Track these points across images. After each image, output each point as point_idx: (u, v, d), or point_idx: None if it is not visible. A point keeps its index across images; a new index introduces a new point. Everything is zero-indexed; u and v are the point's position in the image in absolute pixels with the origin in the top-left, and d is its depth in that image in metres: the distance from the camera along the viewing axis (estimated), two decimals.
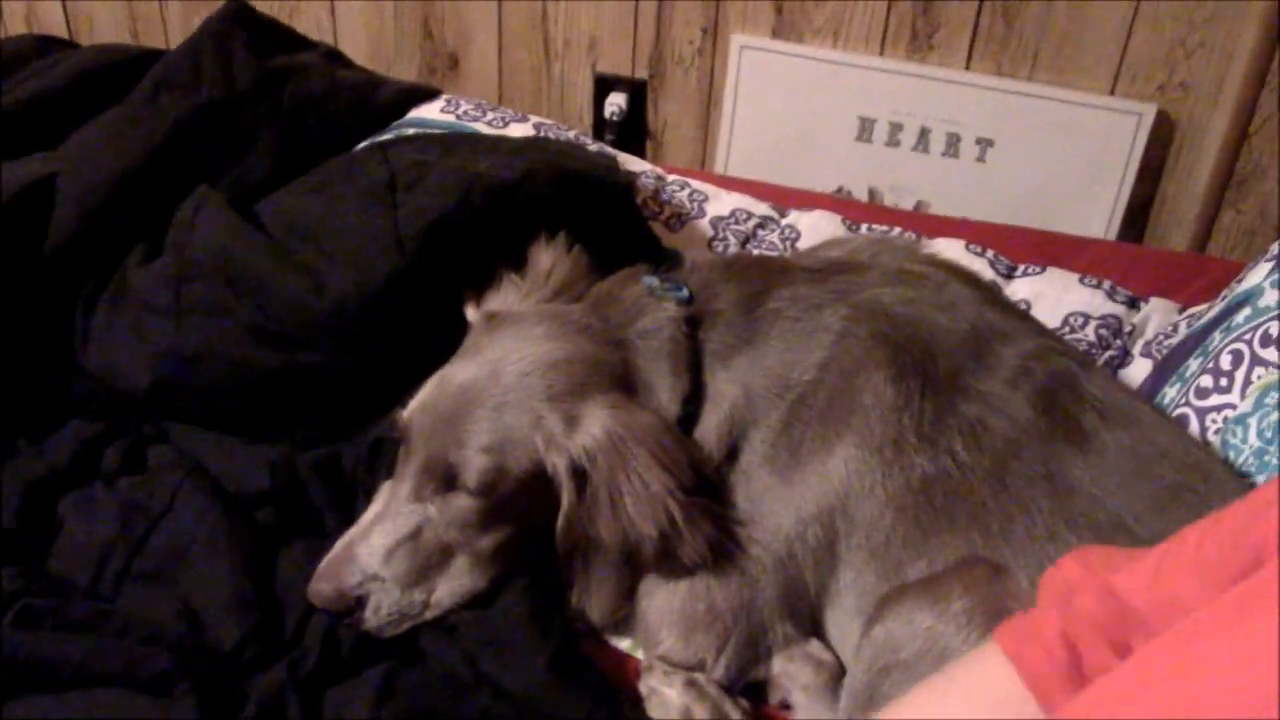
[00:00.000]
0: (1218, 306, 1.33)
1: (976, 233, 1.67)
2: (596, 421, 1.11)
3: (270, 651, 1.11)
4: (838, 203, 1.82)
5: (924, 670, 0.94)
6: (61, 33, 2.67)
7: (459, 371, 1.16)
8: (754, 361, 1.18)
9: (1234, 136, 2.01)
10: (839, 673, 1.13)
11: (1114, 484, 1.03)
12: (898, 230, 1.63)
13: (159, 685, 1.05)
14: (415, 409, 1.16)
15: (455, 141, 1.48)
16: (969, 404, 1.10)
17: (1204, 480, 1.04)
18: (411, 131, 1.66)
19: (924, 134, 2.19)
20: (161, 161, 1.45)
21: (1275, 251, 1.28)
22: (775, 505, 1.14)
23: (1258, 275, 1.26)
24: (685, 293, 1.22)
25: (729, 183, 1.79)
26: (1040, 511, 1.02)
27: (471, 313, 1.26)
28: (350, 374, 1.29)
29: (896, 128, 2.19)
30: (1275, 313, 1.18)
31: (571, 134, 1.79)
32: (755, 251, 1.60)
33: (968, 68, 2.14)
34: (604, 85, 2.38)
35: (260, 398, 1.29)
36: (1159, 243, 2.17)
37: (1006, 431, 1.07)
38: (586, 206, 1.38)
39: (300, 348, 1.28)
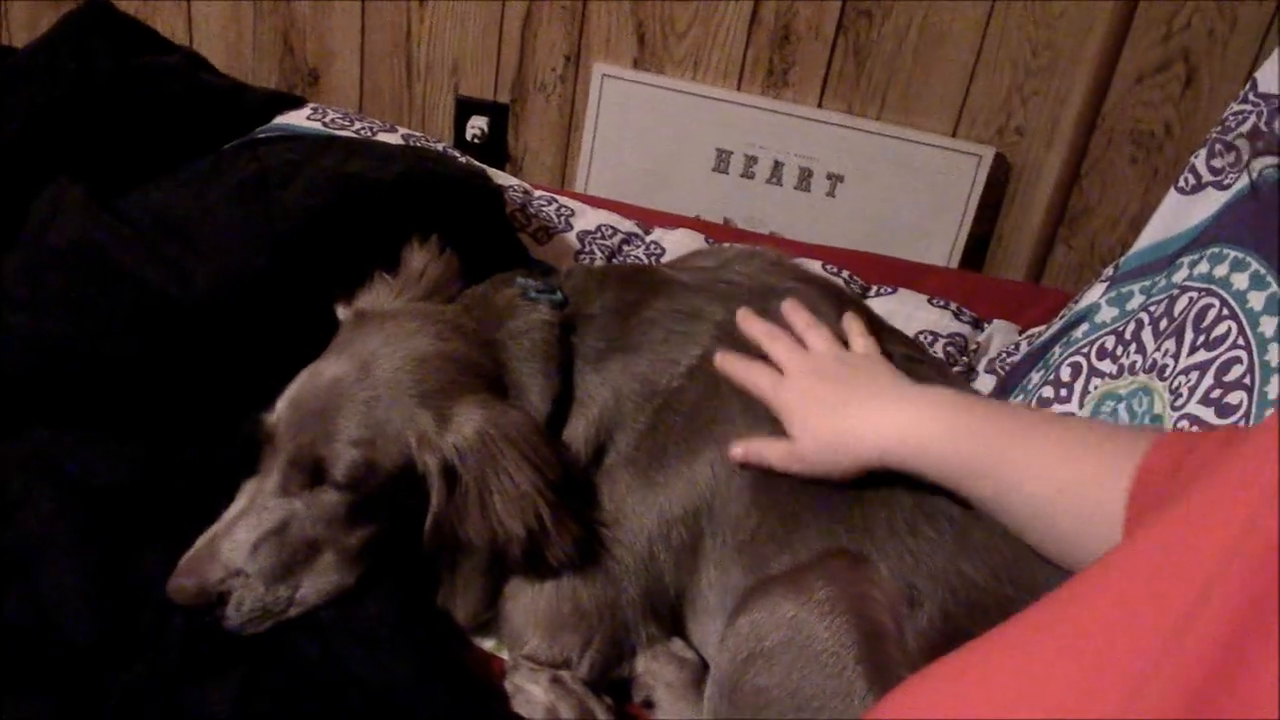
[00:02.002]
0: (1056, 325, 1.41)
1: (832, 256, 1.73)
2: (468, 421, 1.11)
3: (129, 650, 1.08)
4: (700, 223, 1.87)
5: (788, 659, 0.96)
6: None
7: (329, 366, 1.15)
8: (625, 367, 1.20)
9: (1066, 177, 2.14)
10: (701, 671, 1.16)
11: None
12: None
13: (11, 682, 1.01)
14: (283, 404, 1.15)
15: (328, 144, 1.47)
16: None
17: None
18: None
19: (778, 167, 2.26)
20: (14, 155, 1.40)
21: (1109, 273, 1.37)
22: (639, 507, 1.16)
23: (1094, 294, 1.35)
24: (559, 296, 1.23)
25: (595, 201, 1.82)
26: (901, 507, 1.05)
27: (342, 311, 1.25)
28: (218, 371, 1.27)
29: (751, 160, 2.26)
30: (1111, 328, 1.27)
31: (440, 146, 1.80)
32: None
33: (820, 105, 2.23)
34: (466, 108, 2.39)
35: (123, 392, 1.25)
36: (996, 275, 2.28)
37: None
38: (458, 213, 1.39)
39: (165, 342, 1.25)
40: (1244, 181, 1.20)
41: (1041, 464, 0.94)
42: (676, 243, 1.68)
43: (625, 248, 1.68)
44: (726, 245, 1.60)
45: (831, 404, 1.09)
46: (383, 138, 1.76)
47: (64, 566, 1.11)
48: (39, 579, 1.10)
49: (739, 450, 1.12)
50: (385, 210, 1.31)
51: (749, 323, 1.19)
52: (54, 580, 1.10)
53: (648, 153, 2.31)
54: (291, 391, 1.15)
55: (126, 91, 1.53)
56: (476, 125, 2.36)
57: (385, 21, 2.34)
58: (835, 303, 1.25)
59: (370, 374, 1.13)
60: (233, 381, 1.28)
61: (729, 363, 1.16)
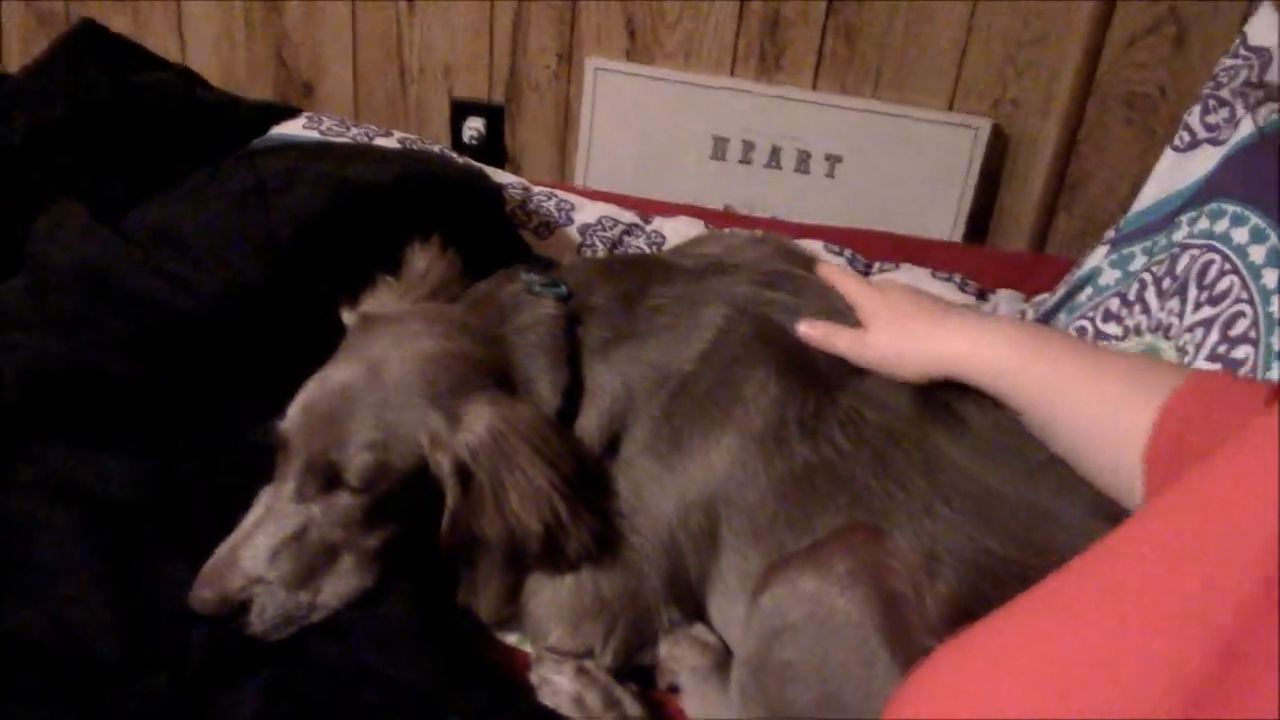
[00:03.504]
0: (1060, 291, 1.41)
1: (833, 236, 1.73)
2: (480, 419, 1.12)
3: (152, 662, 1.08)
4: (700, 211, 1.87)
5: (812, 632, 0.97)
6: None
7: (338, 372, 1.16)
8: (633, 355, 1.20)
9: (1063, 146, 2.14)
10: (724, 654, 1.16)
11: (987, 460, 1.07)
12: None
13: (38, 699, 1.02)
14: (294, 411, 1.15)
15: (325, 150, 1.48)
16: (848, 398, 1.13)
17: None
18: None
19: (775, 152, 2.26)
20: (13, 178, 1.41)
21: (1110, 236, 1.37)
22: (657, 493, 1.16)
23: (1096, 258, 1.35)
24: (563, 289, 1.23)
25: (594, 194, 1.82)
26: (917, 490, 1.05)
27: (348, 315, 1.26)
28: (227, 381, 1.28)
29: (749, 146, 2.26)
30: (1114, 290, 1.27)
31: (437, 148, 1.81)
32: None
33: (815, 87, 2.23)
34: (461, 110, 2.39)
35: (132, 408, 1.26)
36: (999, 247, 2.28)
37: (885, 422, 1.11)
38: (458, 213, 1.39)
39: (173, 355, 1.26)
40: (1239, 136, 1.20)
41: (1086, 393, 0.98)
42: (677, 231, 1.68)
43: (626, 239, 1.68)
44: (728, 231, 1.61)
45: (910, 310, 1.14)
46: (379, 143, 1.76)
47: (85, 583, 1.11)
48: (61, 597, 1.11)
49: (807, 326, 1.16)
50: (384, 213, 1.32)
51: (826, 268, 1.25)
52: (76, 597, 1.11)
53: (645, 144, 2.31)
54: (302, 398, 1.16)
55: (122, 110, 1.54)
56: (473, 127, 2.36)
57: (376, 29, 2.34)
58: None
59: (379, 377, 1.13)
60: (241, 391, 1.28)
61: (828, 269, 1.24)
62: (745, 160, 2.27)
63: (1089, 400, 0.97)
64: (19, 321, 1.26)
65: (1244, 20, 1.36)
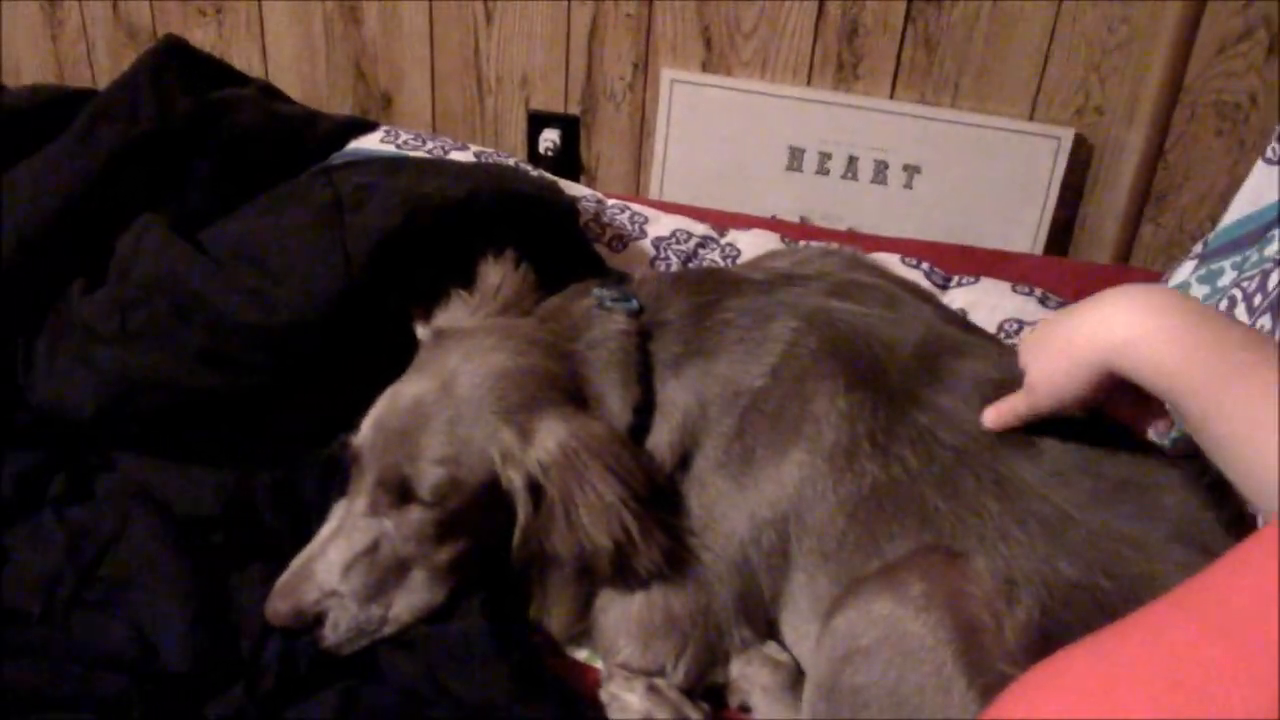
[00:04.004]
0: None
1: (910, 249, 1.71)
2: (551, 435, 1.12)
3: (227, 674, 1.10)
4: (775, 223, 1.85)
5: (885, 656, 0.95)
6: None
7: (410, 386, 1.16)
8: (705, 370, 1.19)
9: (1149, 155, 2.09)
10: (796, 674, 1.15)
11: (1061, 482, 1.04)
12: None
13: (113, 709, 1.04)
14: (367, 426, 1.16)
15: (400, 165, 1.49)
16: (921, 414, 1.10)
17: (1148, 475, 1.05)
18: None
19: (852, 162, 2.24)
20: (100, 193, 1.44)
21: (1198, 250, 1.33)
22: (729, 511, 1.15)
23: (1183, 272, 1.32)
24: (635, 304, 1.23)
25: (668, 206, 1.82)
26: (990, 513, 1.03)
27: (421, 330, 1.26)
28: (300, 395, 1.29)
29: (825, 157, 2.24)
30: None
31: (512, 160, 1.81)
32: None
33: (892, 97, 2.20)
34: (537, 121, 2.40)
35: (209, 421, 1.28)
36: (1083, 259, 2.23)
37: (957, 441, 1.08)
38: (532, 227, 1.39)
39: (249, 369, 1.27)
40: None
41: (1245, 409, 0.87)
42: (752, 243, 1.67)
43: (700, 251, 1.67)
44: (801, 244, 1.59)
45: (1048, 331, 1.03)
46: (455, 156, 1.77)
47: (163, 595, 1.14)
48: (139, 608, 1.13)
49: (991, 415, 1.07)
50: (458, 227, 1.33)
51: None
52: (153, 609, 1.13)
53: (721, 155, 2.30)
54: (375, 413, 1.17)
55: (203, 126, 1.56)
56: (549, 138, 2.37)
57: (454, 41, 2.36)
58: (914, 298, 1.23)
59: (451, 392, 1.14)
60: (316, 404, 1.30)
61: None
62: (822, 171, 2.25)
63: (1256, 421, 0.85)
64: (101, 335, 1.29)
65: None
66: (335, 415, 1.24)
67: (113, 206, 1.43)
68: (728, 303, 1.22)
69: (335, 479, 1.24)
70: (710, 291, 1.23)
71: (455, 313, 1.27)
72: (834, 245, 1.35)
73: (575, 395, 1.18)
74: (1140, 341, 0.92)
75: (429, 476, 1.11)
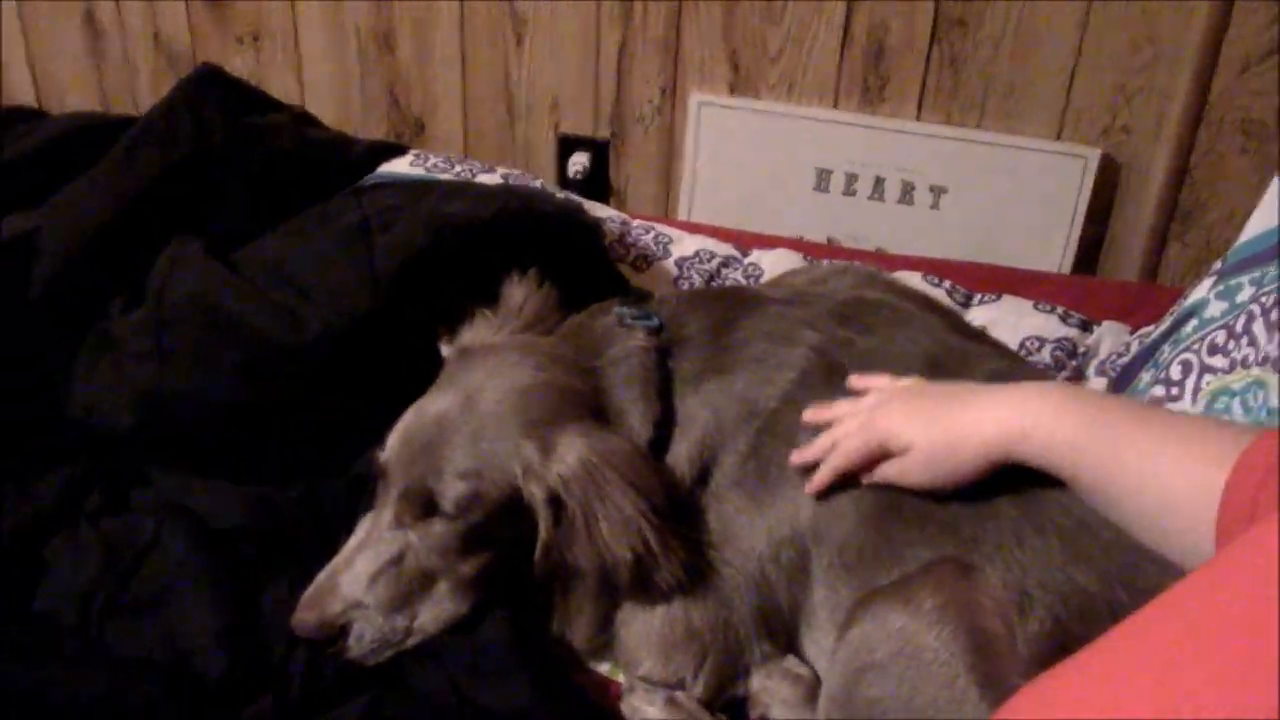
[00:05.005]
0: (1165, 323, 1.38)
1: (933, 268, 1.71)
2: (571, 449, 1.13)
3: (256, 683, 1.12)
4: (798, 243, 1.87)
5: (899, 670, 0.96)
6: (31, 102, 2.71)
7: (434, 402, 1.18)
8: (723, 387, 1.20)
9: (1175, 174, 2.09)
10: (816, 687, 1.15)
11: None
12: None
13: (146, 715, 1.06)
14: (393, 440, 1.18)
15: (427, 187, 1.52)
16: None
17: None
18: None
19: (879, 183, 2.25)
20: (138, 214, 1.48)
21: (1217, 267, 1.33)
22: (747, 528, 1.16)
23: (1201, 290, 1.32)
24: (655, 322, 1.24)
25: (692, 227, 1.84)
26: (1007, 518, 1.04)
27: (446, 347, 1.28)
28: (330, 410, 1.32)
29: (852, 178, 2.25)
30: (1220, 322, 1.23)
31: (538, 183, 1.84)
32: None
33: (919, 118, 2.21)
34: (567, 145, 2.43)
35: (242, 435, 1.31)
36: (1112, 277, 2.23)
37: None
38: (556, 247, 1.42)
39: (281, 385, 1.30)
40: None
41: (1147, 457, 0.93)
42: (774, 263, 1.69)
43: (724, 271, 1.69)
44: (822, 262, 1.61)
45: (933, 411, 1.07)
46: (483, 179, 1.80)
47: (196, 605, 1.16)
48: (173, 617, 1.16)
49: (865, 479, 1.11)
50: (483, 247, 1.35)
51: (816, 412, 1.17)
52: (187, 618, 1.15)
53: (749, 177, 2.31)
54: (400, 427, 1.19)
55: (238, 150, 1.60)
56: (578, 162, 2.40)
57: (485, 65, 2.40)
58: (931, 314, 1.24)
59: (474, 407, 1.15)
60: (344, 420, 1.32)
61: (816, 414, 1.16)
62: (849, 192, 2.26)
63: (1159, 466, 0.92)
64: (138, 352, 1.33)
65: None
66: (363, 430, 1.26)
67: (151, 227, 1.47)
68: (745, 321, 1.23)
69: (363, 493, 1.27)
70: (729, 309, 1.25)
71: (479, 331, 1.29)
72: (851, 263, 1.36)
73: (596, 410, 1.19)
74: (1041, 429, 0.99)
75: (452, 490, 1.13)
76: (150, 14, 2.58)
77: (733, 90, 2.28)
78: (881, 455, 1.09)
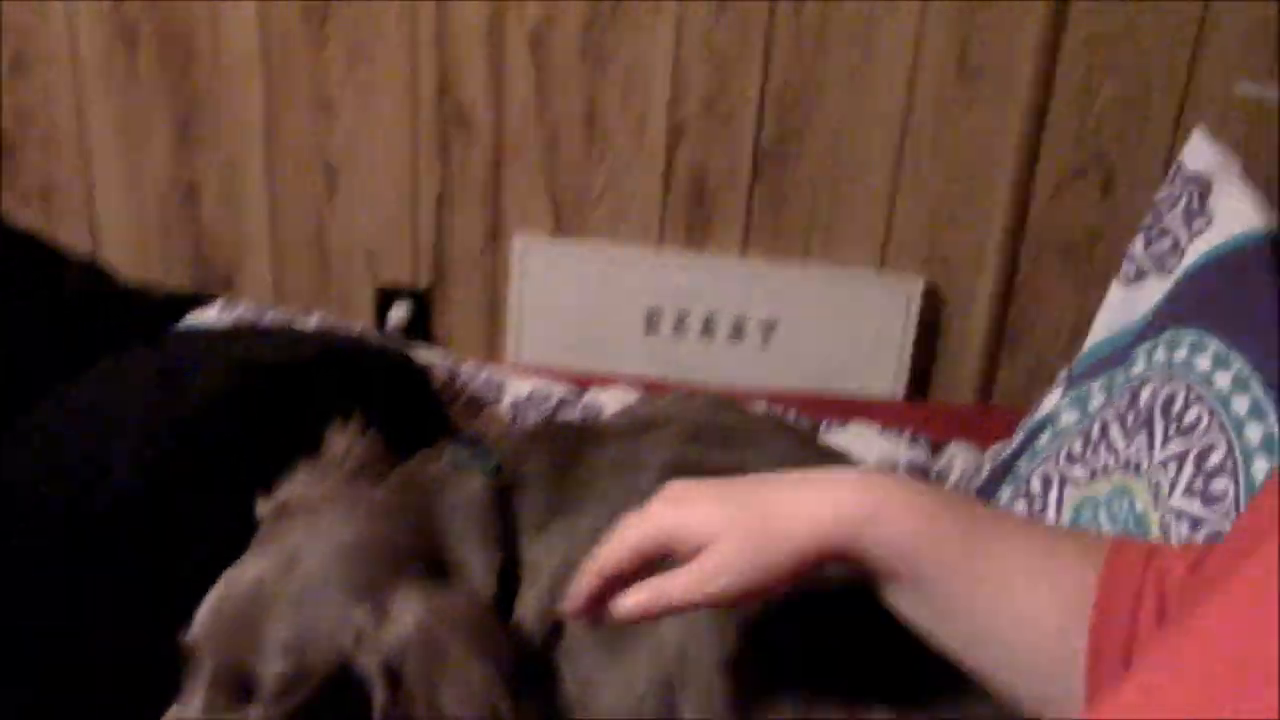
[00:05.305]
0: (1019, 437, 1.36)
1: (775, 399, 1.68)
2: (407, 611, 1.02)
3: None
4: (637, 379, 1.82)
5: None
6: None
7: (249, 568, 1.05)
8: (570, 529, 1.11)
9: (1000, 298, 2.13)
10: None
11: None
12: None
13: None
14: (202, 615, 1.05)
15: (238, 333, 1.41)
16: None
17: None
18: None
19: (709, 321, 2.23)
20: None
21: (1062, 377, 1.32)
22: (604, 685, 1.07)
23: (1052, 399, 1.30)
24: (493, 462, 1.16)
25: (525, 369, 1.77)
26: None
27: (262, 505, 1.16)
28: (141, 582, 1.17)
29: (683, 315, 2.23)
30: (1075, 431, 1.21)
31: (358, 327, 1.75)
32: None
33: (744, 254, 2.21)
34: (385, 296, 2.34)
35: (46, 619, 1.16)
36: (945, 400, 2.24)
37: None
38: (379, 392, 1.33)
39: (79, 559, 1.16)
40: (1186, 263, 1.17)
41: (1005, 556, 0.81)
42: (614, 400, 1.63)
43: (562, 411, 1.62)
44: (664, 395, 1.55)
45: (747, 496, 0.87)
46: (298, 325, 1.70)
47: None
48: None
49: (626, 606, 0.89)
50: (297, 393, 1.25)
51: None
52: None
53: (577, 320, 2.27)
54: (211, 600, 1.05)
55: (32, 299, 1.47)
56: (397, 314, 2.31)
57: (296, 219, 2.30)
58: (787, 435, 1.19)
59: (294, 571, 1.03)
60: (148, 599, 1.18)
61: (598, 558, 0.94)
62: (679, 330, 2.23)
63: (1010, 572, 0.80)
64: None
65: (1170, 154, 1.35)
66: (171, 611, 1.12)
67: None
68: (590, 454, 1.16)
69: (171, 681, 1.11)
70: (571, 443, 1.17)
71: (299, 484, 1.17)
72: (696, 392, 1.31)
73: (433, 565, 1.09)
74: (877, 518, 0.81)
75: (273, 667, 0.99)
76: None
77: (557, 231, 2.24)
78: (661, 555, 0.87)
